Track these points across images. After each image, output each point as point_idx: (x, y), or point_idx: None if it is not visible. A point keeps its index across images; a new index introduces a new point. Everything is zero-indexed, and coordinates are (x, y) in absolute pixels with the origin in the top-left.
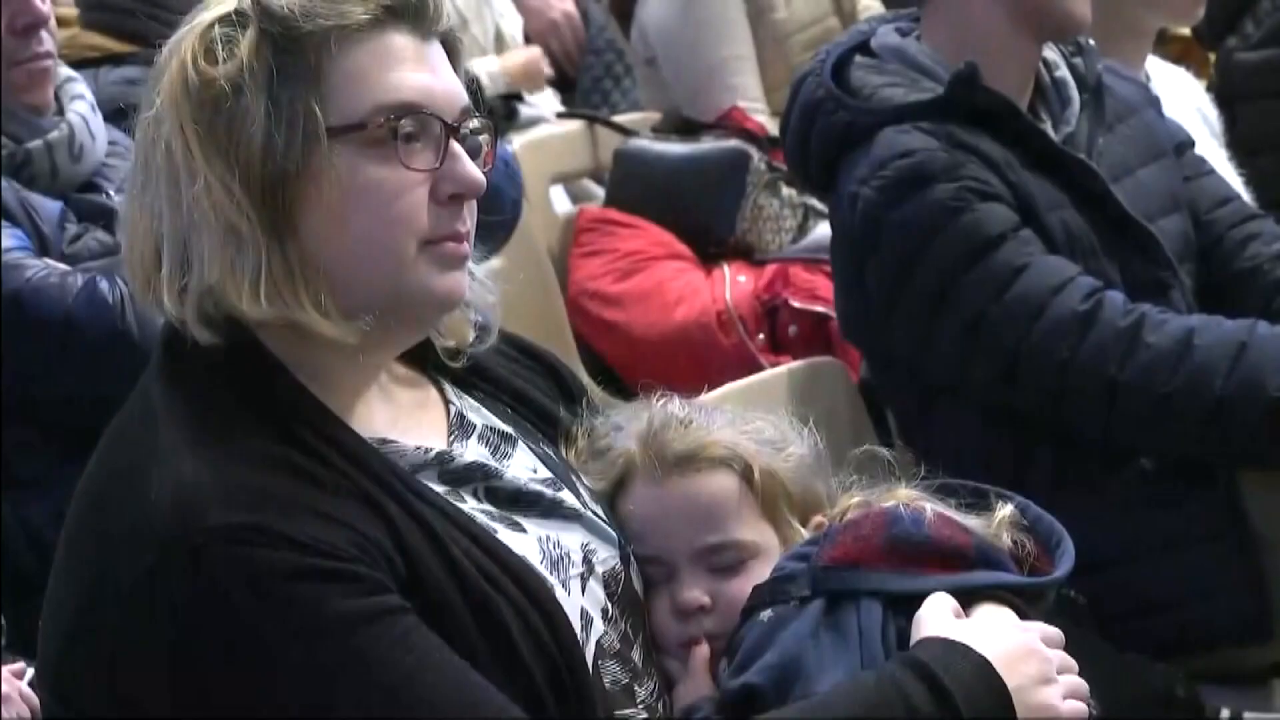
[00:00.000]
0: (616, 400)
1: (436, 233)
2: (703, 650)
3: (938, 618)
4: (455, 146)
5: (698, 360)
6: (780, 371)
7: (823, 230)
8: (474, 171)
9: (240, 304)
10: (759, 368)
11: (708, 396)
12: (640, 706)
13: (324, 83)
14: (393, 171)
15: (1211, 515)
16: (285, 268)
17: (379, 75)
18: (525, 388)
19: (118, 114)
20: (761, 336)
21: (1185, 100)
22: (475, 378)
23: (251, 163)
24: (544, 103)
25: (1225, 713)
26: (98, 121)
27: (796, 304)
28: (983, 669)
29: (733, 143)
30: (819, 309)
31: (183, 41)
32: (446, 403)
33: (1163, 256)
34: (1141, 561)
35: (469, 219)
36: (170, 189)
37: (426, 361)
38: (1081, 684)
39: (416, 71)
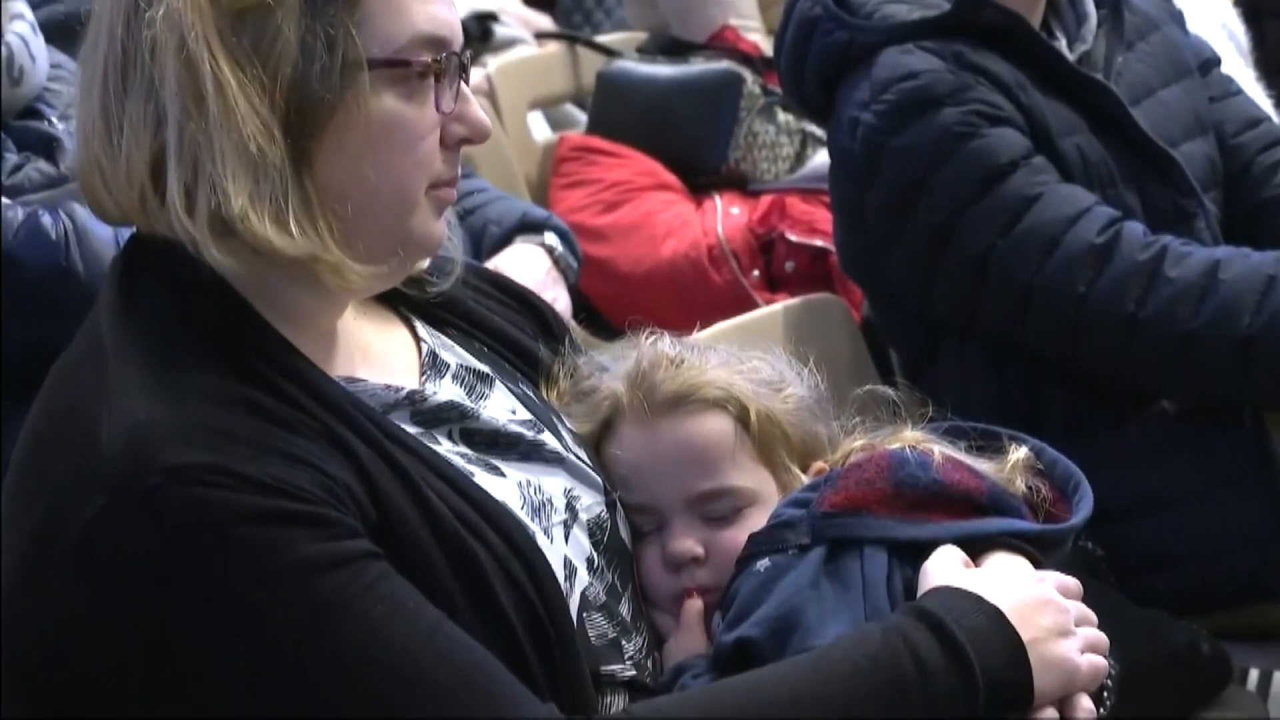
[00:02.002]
0: (600, 341)
1: (443, 176)
2: (695, 603)
3: (947, 568)
4: (464, 88)
5: (687, 298)
6: (776, 309)
7: (821, 158)
8: (485, 116)
9: (264, 233)
10: (753, 306)
11: (699, 335)
12: (628, 662)
13: (361, 8)
14: (421, 111)
15: (1238, 460)
16: (304, 199)
17: (415, 4)
18: (502, 325)
19: (61, 35)
20: (756, 272)
21: (1210, 15)
22: (448, 314)
23: (282, 84)
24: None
25: (1254, 672)
26: (39, 43)
27: (793, 237)
28: (996, 620)
29: (724, 64)
30: (817, 243)
31: None
32: (418, 341)
33: (1186, 183)
34: (1163, 510)
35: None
36: (184, 100)
37: (395, 299)
38: (1101, 637)
39: (442, 2)
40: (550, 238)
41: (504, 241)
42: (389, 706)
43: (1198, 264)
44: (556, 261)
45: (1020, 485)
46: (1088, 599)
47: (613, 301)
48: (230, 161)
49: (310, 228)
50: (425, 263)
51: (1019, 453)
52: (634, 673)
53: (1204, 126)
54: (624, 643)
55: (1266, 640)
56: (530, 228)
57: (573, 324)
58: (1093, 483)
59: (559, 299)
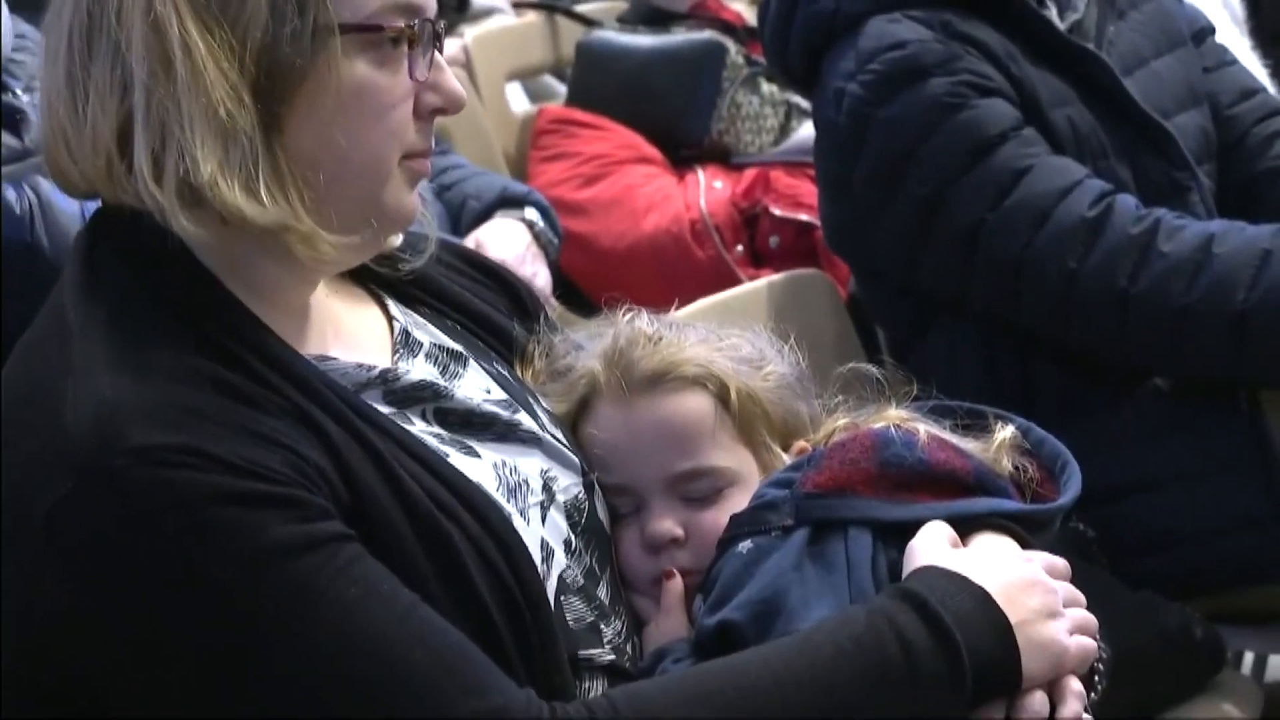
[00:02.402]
0: (579, 318)
1: (416, 147)
2: (676, 583)
3: (933, 547)
4: (438, 56)
5: (669, 274)
6: (760, 285)
7: (806, 130)
8: (459, 86)
9: (234, 200)
10: (737, 282)
11: (680, 313)
12: (607, 646)
13: None
14: (394, 78)
15: (1233, 440)
16: (275, 167)
17: None
18: (476, 303)
19: (25, 4)
20: (739, 248)
21: None
22: (421, 292)
23: (252, 48)
24: None
25: (1249, 656)
26: (2, 14)
27: (778, 212)
28: (983, 602)
29: (707, 34)
30: (803, 217)
31: None
32: (390, 319)
33: (1179, 156)
34: (1156, 491)
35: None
36: (152, 64)
37: (366, 276)
38: (1090, 619)
39: None
40: (531, 213)
41: (483, 216)
42: (362, 691)
43: (1191, 238)
44: (537, 237)
45: (1007, 465)
46: (1078, 581)
47: (592, 278)
48: (199, 127)
49: (281, 196)
50: (398, 239)
51: (1005, 432)
52: (613, 657)
53: (1198, 97)
54: (603, 626)
55: (1261, 623)
56: (510, 202)
57: (552, 301)
58: (1085, 462)
59: (539, 275)
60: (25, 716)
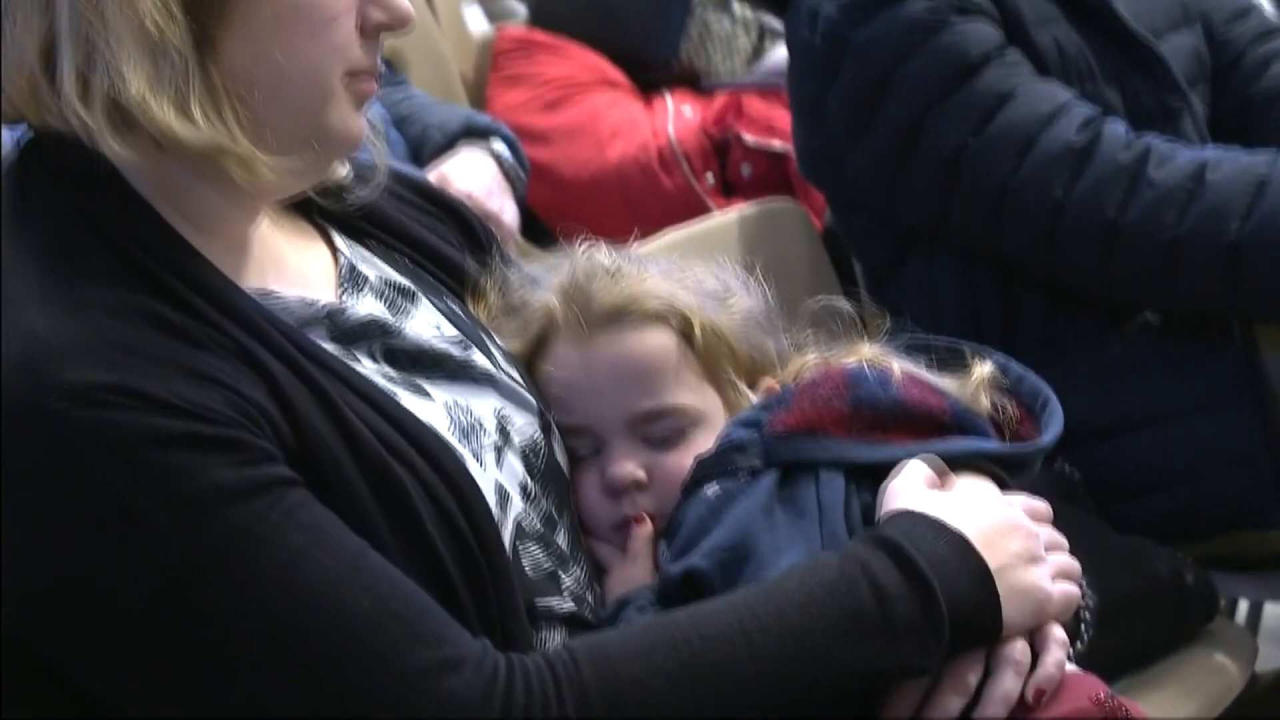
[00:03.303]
0: (537, 250)
1: (360, 65)
2: (644, 529)
3: (910, 489)
4: None
5: (636, 205)
6: (731, 216)
7: (780, 53)
8: (405, 1)
9: (165, 120)
10: (707, 212)
11: (645, 245)
12: (566, 595)
13: None
14: None
15: (1226, 376)
16: (208, 84)
17: None
18: (426, 236)
19: None
20: (710, 177)
21: None
22: (368, 225)
23: None
24: None
25: (1243, 604)
26: None
27: (750, 139)
28: (961, 547)
29: None
30: (776, 145)
31: None
32: (335, 253)
33: (1170, 79)
34: (1145, 430)
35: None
36: None
37: (310, 207)
38: (1073, 563)
39: None
40: (497, 144)
41: (446, 148)
42: (307, 643)
43: (1183, 165)
44: (504, 170)
45: (985, 403)
46: (1062, 525)
47: (554, 209)
48: (126, 42)
49: (215, 115)
50: (345, 169)
51: (983, 369)
52: (573, 606)
53: (1190, 16)
54: (562, 574)
55: (1257, 569)
56: (475, 133)
57: (519, 238)
58: (1071, 400)
59: (506, 209)
60: None
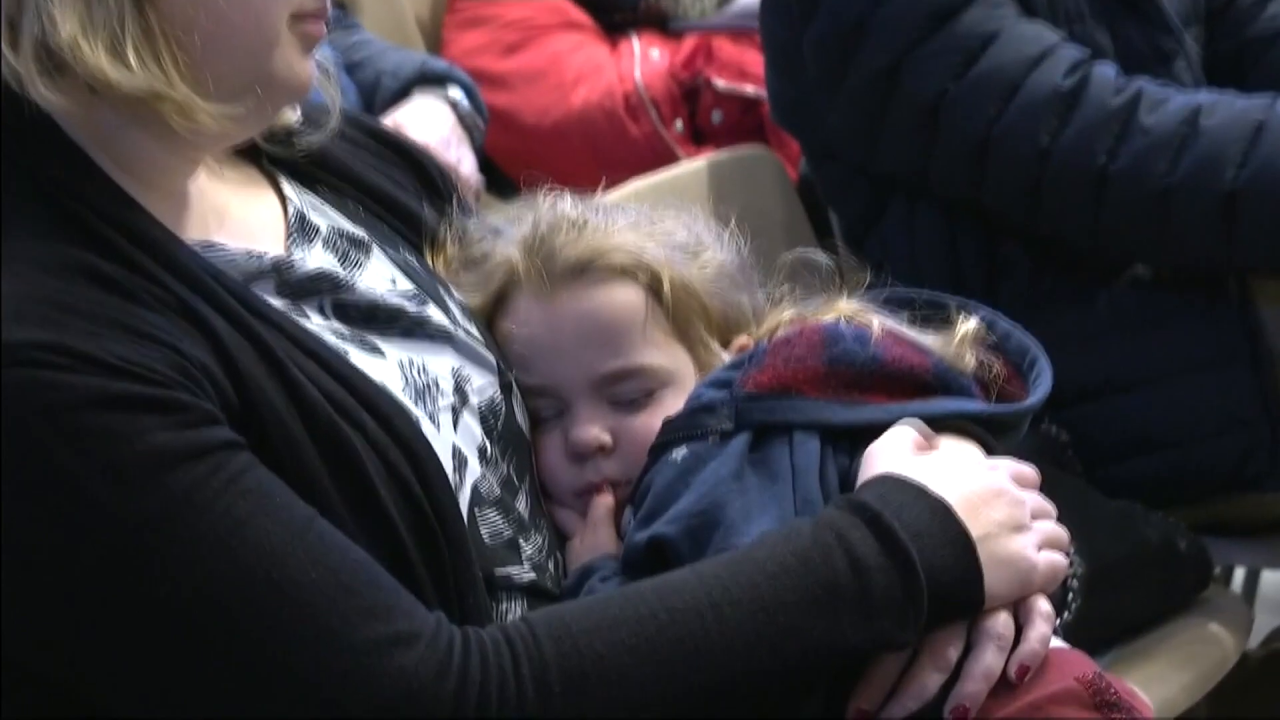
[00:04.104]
0: (498, 200)
1: (307, 6)
2: (605, 499)
3: (892, 452)
4: None
5: (601, 153)
6: (700, 164)
7: None
8: None
9: (97, 64)
10: (675, 160)
11: (611, 195)
12: (526, 564)
13: None
14: None
15: (1220, 333)
16: (144, 26)
17: None
18: (381, 183)
19: None
20: (679, 124)
21: None
22: (319, 170)
23: None
24: None
25: (1239, 571)
26: None
27: (721, 84)
28: (941, 513)
29: None
30: (748, 90)
31: None
32: (284, 201)
33: (1163, 20)
34: (1136, 390)
35: None
36: None
37: (259, 154)
38: (1061, 532)
39: None
40: (454, 91)
41: (400, 95)
42: (253, 616)
43: (1176, 110)
44: (462, 118)
45: (970, 361)
46: (1049, 490)
47: (515, 157)
48: None
49: (151, 59)
50: (294, 114)
51: (968, 324)
52: (533, 575)
53: None
54: (521, 542)
55: (1253, 535)
56: (431, 80)
57: (479, 190)
58: (1058, 359)
59: (464, 159)
60: None
